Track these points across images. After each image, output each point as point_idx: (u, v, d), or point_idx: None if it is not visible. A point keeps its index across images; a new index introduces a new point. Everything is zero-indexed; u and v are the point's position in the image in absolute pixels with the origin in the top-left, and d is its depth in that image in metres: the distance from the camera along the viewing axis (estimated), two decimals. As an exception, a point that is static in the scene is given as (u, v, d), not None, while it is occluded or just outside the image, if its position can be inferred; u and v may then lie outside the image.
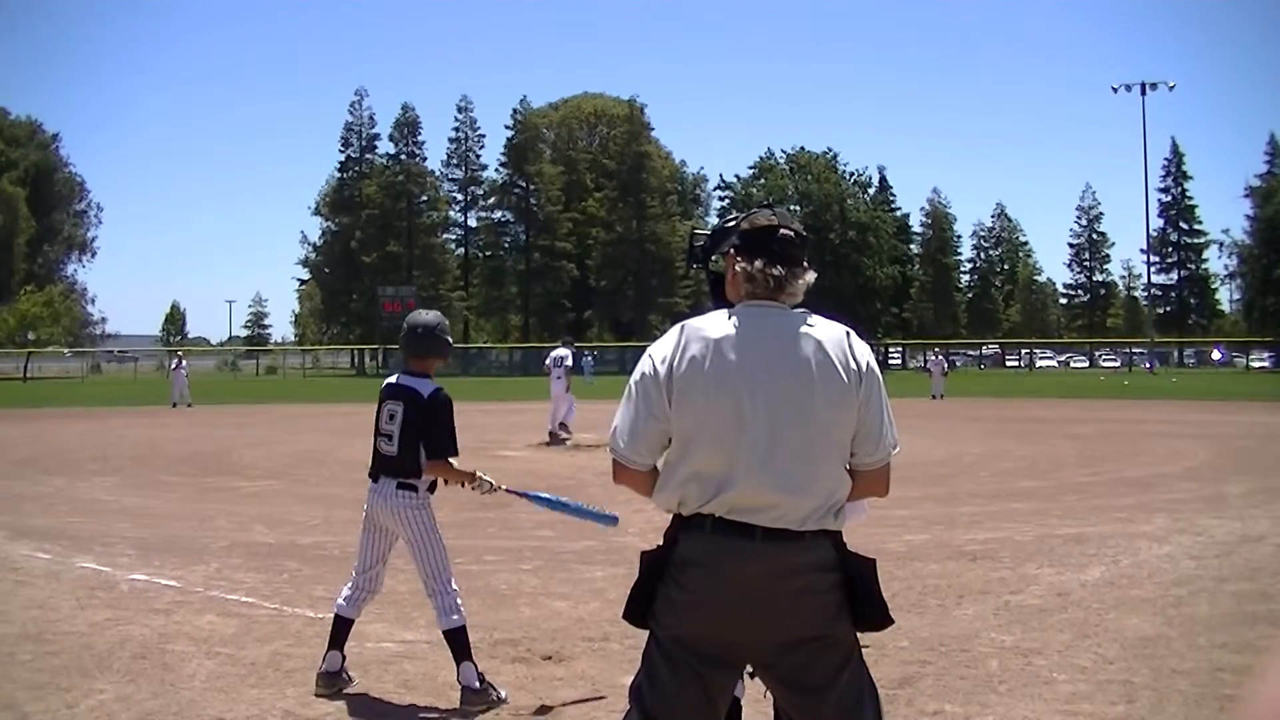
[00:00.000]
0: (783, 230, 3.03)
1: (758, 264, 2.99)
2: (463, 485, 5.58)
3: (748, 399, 2.91)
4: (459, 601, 5.46)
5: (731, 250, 3.09)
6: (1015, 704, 5.29)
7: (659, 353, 3.01)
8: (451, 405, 5.50)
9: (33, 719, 5.21)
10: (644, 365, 3.04)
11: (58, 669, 5.97)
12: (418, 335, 5.62)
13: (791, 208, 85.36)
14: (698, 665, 2.95)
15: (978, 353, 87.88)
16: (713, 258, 3.32)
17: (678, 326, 3.05)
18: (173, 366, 39.95)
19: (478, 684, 5.35)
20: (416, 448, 5.45)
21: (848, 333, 3.03)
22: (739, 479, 2.89)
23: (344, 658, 5.64)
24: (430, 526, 5.48)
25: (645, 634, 3.09)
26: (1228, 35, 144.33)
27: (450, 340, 5.75)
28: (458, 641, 5.41)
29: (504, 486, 5.59)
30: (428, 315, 5.72)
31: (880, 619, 2.99)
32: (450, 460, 5.44)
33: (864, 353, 3.02)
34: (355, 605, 5.67)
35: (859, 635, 3.03)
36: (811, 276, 3.07)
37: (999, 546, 9.34)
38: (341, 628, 5.65)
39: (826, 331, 2.99)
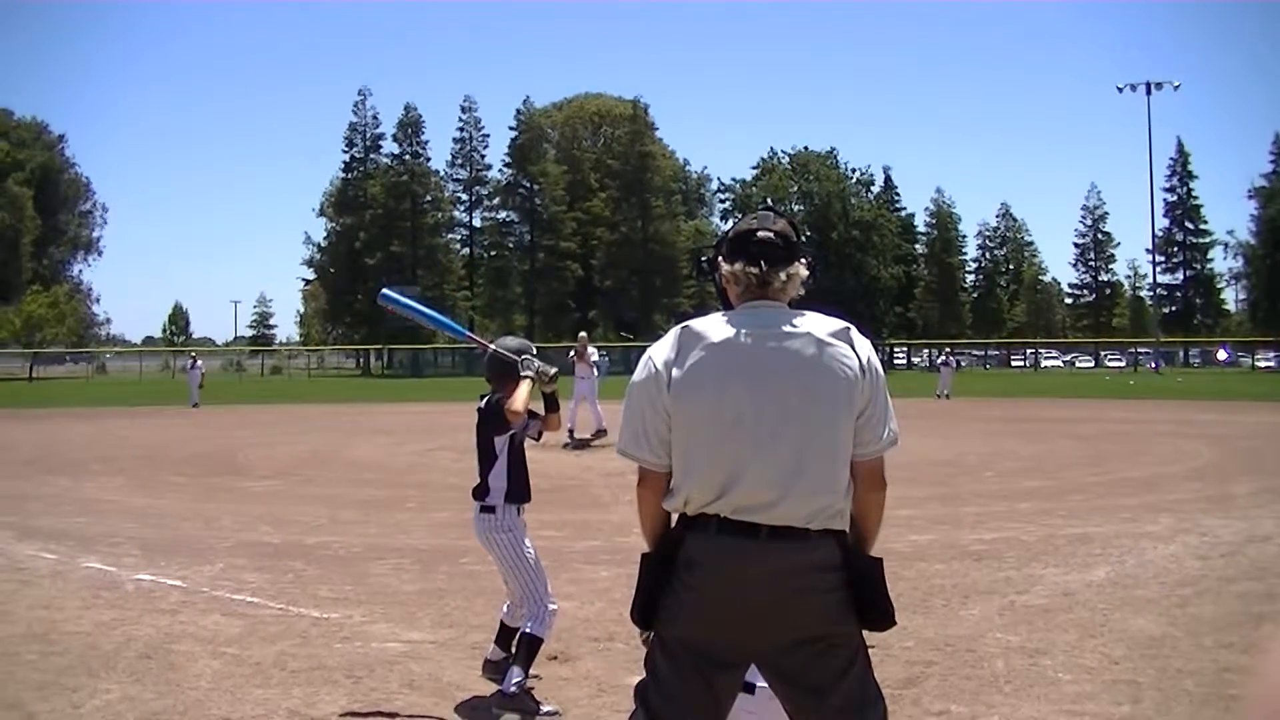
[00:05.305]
0: (759, 233, 3.07)
1: (738, 265, 3.06)
2: (541, 383, 5.50)
3: (747, 397, 2.93)
4: (550, 616, 5.50)
5: (720, 257, 3.15)
6: (1021, 704, 5.28)
7: (658, 354, 3.05)
8: (501, 406, 5.44)
9: (38, 719, 5.22)
10: (644, 367, 3.07)
11: (63, 669, 5.98)
12: None
13: (794, 208, 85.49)
14: (702, 665, 2.96)
15: (983, 353, 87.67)
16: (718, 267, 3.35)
17: (675, 328, 3.10)
18: (188, 367, 39.84)
19: (512, 689, 5.32)
20: (489, 466, 5.54)
21: (847, 328, 3.04)
22: (742, 478, 2.90)
23: (505, 654, 5.62)
24: (512, 545, 5.50)
25: (650, 634, 3.09)
26: (1233, 35, 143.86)
27: (499, 361, 5.67)
28: (523, 646, 5.44)
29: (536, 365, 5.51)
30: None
31: (885, 619, 2.99)
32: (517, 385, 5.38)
33: (864, 347, 3.03)
34: (511, 615, 5.69)
35: (865, 635, 3.03)
36: (800, 271, 3.09)
37: (1004, 546, 9.32)
38: (504, 632, 5.70)
39: (824, 328, 3.00)
